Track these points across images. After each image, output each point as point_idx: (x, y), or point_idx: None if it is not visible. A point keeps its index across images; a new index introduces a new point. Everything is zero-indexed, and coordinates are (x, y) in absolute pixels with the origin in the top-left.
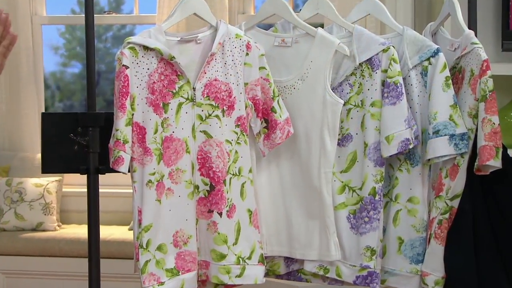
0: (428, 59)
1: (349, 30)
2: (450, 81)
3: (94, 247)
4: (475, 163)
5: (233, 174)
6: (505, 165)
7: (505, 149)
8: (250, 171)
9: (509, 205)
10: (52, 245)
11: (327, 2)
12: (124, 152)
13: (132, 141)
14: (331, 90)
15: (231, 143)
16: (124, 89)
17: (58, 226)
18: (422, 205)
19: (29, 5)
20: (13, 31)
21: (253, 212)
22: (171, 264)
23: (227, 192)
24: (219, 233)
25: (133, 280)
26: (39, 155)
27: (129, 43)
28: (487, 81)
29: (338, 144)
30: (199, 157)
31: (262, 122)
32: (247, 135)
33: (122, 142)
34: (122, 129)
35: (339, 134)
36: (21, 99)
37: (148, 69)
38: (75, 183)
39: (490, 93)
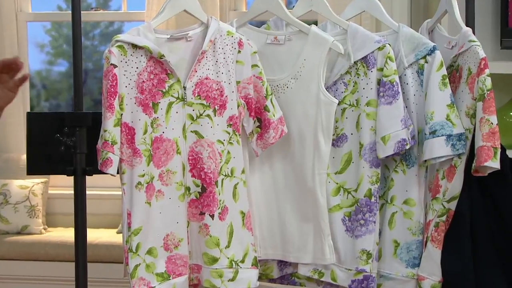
0: (425, 57)
1: (344, 27)
2: (447, 80)
3: (81, 251)
4: (473, 164)
5: (225, 175)
6: (504, 166)
7: (503, 149)
8: (243, 171)
9: (508, 207)
10: (37, 249)
11: None
12: (113, 153)
13: (121, 142)
14: (325, 89)
15: (223, 143)
16: (112, 89)
17: (44, 229)
18: (419, 207)
19: (14, 2)
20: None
21: (246, 214)
22: (161, 268)
23: (219, 194)
24: (211, 236)
25: (122, 285)
26: (24, 156)
27: (117, 41)
28: (485, 80)
29: (333, 144)
30: (190, 158)
31: (255, 122)
32: (239, 135)
33: (110, 143)
34: (110, 130)
35: (333, 135)
36: None
37: (137, 68)
38: (62, 185)
39: (488, 92)
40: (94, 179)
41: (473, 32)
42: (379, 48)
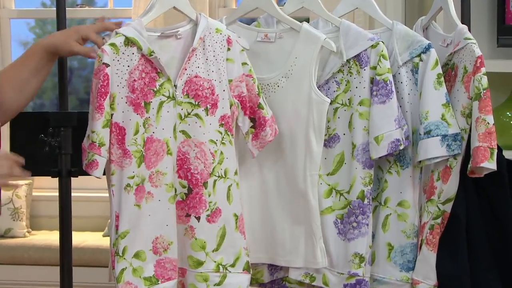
0: (419, 55)
1: (336, 24)
2: (442, 78)
3: (66, 254)
4: (469, 165)
5: (218, 176)
6: (500, 167)
7: (500, 150)
8: (236, 173)
9: (504, 209)
10: (21, 253)
11: None
12: (100, 155)
13: (111, 143)
14: (317, 88)
15: (216, 143)
16: (103, 89)
17: (28, 232)
18: (413, 209)
19: None
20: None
21: (239, 217)
22: (150, 272)
23: (209, 195)
24: (196, 239)
25: None
26: None
27: (117, 33)
28: (481, 78)
29: (325, 145)
30: (178, 158)
31: (249, 121)
32: (232, 135)
33: (98, 145)
34: (98, 131)
35: (325, 135)
36: None
37: (128, 66)
38: (46, 187)
39: (484, 91)
40: (79, 181)
41: (469, 30)
42: (372, 46)
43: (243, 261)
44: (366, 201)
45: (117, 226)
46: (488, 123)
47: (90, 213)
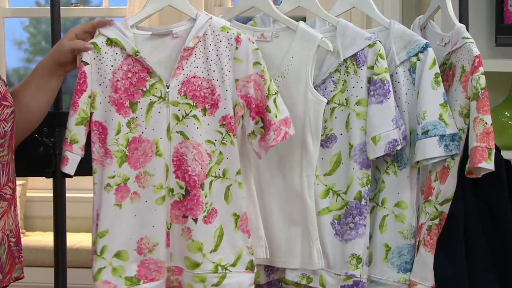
0: (417, 54)
1: (333, 24)
2: (440, 78)
3: (60, 255)
4: (466, 166)
5: (215, 177)
6: (498, 168)
7: (498, 150)
8: (239, 173)
9: (502, 210)
10: None
11: None
12: (71, 152)
13: (93, 141)
14: (313, 88)
15: (214, 143)
16: (79, 87)
17: (22, 233)
18: (410, 210)
19: None
20: None
21: (240, 217)
22: (132, 272)
23: (205, 197)
24: (193, 240)
25: None
26: None
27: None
28: (479, 78)
29: (322, 145)
30: (174, 159)
31: (258, 122)
32: (234, 135)
33: (69, 141)
34: (71, 128)
35: (322, 135)
36: None
37: (112, 66)
38: (40, 187)
39: (482, 91)
40: (74, 181)
41: (467, 29)
42: (370, 45)
43: (246, 260)
44: (363, 202)
45: (97, 225)
46: (486, 123)
47: (85, 214)
